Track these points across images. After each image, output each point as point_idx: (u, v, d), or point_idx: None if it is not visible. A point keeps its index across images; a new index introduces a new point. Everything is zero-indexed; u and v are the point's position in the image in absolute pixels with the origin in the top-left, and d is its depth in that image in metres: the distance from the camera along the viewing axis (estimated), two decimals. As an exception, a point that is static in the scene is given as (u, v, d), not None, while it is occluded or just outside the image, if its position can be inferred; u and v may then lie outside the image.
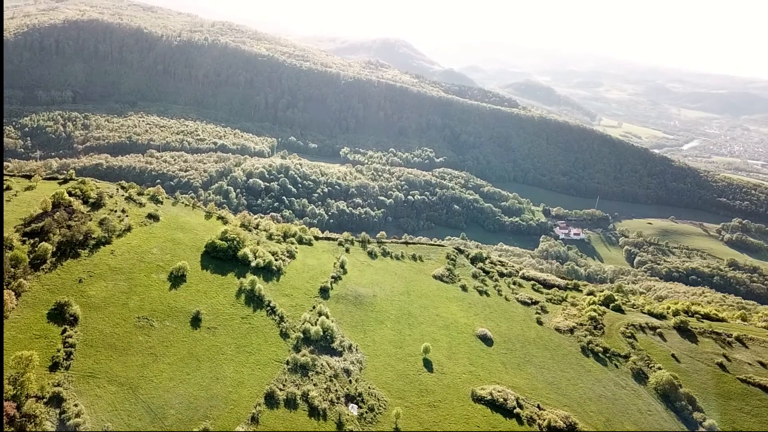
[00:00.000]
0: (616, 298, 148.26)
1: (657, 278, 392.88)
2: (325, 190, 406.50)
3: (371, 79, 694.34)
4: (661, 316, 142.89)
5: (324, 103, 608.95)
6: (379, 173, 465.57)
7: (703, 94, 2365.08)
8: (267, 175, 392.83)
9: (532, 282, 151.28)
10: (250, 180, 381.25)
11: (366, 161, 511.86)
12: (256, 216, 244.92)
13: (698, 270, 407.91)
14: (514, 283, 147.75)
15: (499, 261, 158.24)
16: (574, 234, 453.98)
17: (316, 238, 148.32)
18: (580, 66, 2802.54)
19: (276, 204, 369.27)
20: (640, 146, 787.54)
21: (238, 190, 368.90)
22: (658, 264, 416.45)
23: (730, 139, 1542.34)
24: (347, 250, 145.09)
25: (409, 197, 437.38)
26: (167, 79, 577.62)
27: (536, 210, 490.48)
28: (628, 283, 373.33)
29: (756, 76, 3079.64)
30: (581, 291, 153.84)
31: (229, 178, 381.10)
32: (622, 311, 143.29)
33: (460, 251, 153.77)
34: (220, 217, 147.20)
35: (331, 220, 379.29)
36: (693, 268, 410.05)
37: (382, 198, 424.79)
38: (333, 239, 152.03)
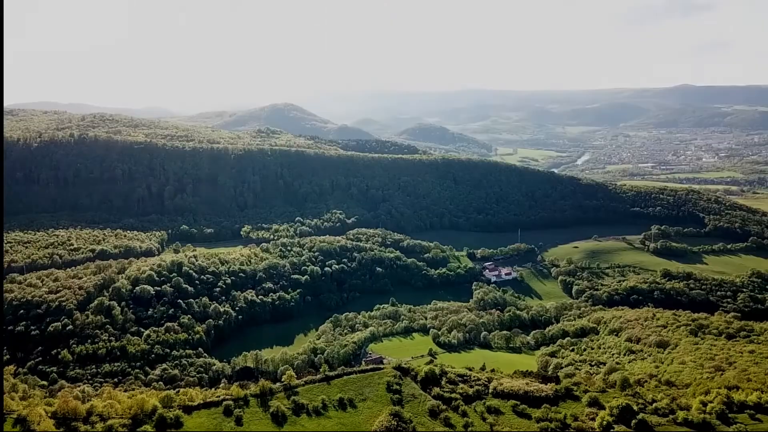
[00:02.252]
0: (634, 406, 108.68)
1: (601, 306, 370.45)
2: (228, 281, 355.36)
3: (263, 148, 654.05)
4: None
5: (215, 183, 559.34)
6: (289, 248, 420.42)
7: (580, 110, 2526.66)
8: (157, 278, 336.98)
9: (513, 402, 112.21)
10: (137, 288, 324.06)
11: (272, 236, 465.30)
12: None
13: (637, 288, 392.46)
14: (490, 410, 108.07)
15: (458, 375, 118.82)
16: (506, 274, 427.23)
17: (189, 409, 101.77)
18: (465, 102, 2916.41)
19: (171, 311, 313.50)
20: (546, 170, 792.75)
21: (123, 303, 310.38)
22: (597, 290, 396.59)
23: (616, 147, 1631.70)
24: (239, 421, 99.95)
25: (326, 269, 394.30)
26: (30, 186, 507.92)
27: (461, 255, 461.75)
28: (574, 318, 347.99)
29: (621, 86, 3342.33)
30: (580, 400, 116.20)
31: (111, 290, 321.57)
32: (650, 428, 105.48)
33: (404, 372, 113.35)
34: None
35: (240, 316, 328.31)
36: (631, 287, 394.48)
37: (296, 276, 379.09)
38: (216, 403, 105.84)
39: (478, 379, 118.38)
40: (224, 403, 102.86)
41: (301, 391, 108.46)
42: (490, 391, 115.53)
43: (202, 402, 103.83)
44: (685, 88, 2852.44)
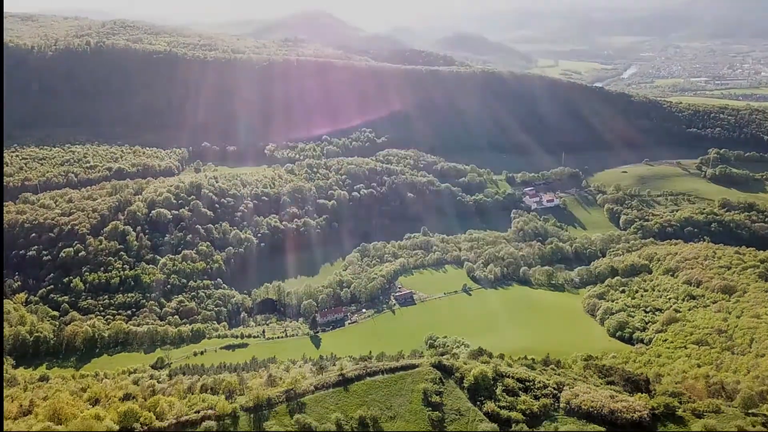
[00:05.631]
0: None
1: (652, 239, 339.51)
2: (250, 205, 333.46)
3: (289, 59, 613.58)
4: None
5: (239, 96, 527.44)
6: (315, 170, 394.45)
7: (628, 19, 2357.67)
8: (174, 201, 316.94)
9: (594, 429, 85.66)
10: (154, 211, 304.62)
11: (297, 156, 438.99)
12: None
13: (692, 219, 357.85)
14: None
15: (518, 381, 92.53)
16: (547, 201, 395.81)
17: None
18: (506, 5, 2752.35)
19: (189, 237, 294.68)
20: (591, 85, 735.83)
21: (139, 228, 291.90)
22: (647, 220, 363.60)
23: (666, 59, 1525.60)
24: None
25: (354, 193, 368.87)
26: (46, 98, 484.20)
27: (499, 180, 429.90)
28: (623, 252, 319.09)
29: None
30: (687, 425, 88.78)
31: (126, 213, 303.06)
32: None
33: (447, 372, 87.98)
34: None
35: (262, 244, 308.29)
36: (686, 218, 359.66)
37: (322, 201, 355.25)
38: (193, 424, 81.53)
39: (545, 386, 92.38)
40: (204, 424, 79.63)
41: (309, 403, 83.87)
42: (562, 405, 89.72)
43: (174, 421, 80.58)
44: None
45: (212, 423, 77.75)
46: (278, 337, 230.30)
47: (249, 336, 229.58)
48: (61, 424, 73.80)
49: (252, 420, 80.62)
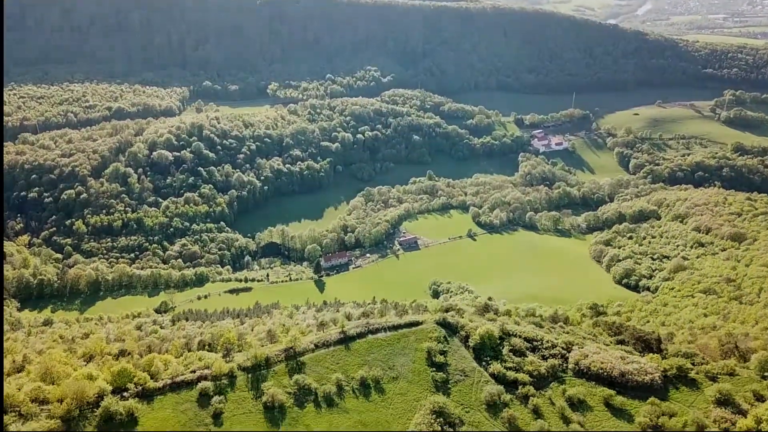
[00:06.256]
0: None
1: (661, 183, 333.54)
2: (253, 147, 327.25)
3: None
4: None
5: (240, 34, 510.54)
6: (318, 110, 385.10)
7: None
8: (176, 142, 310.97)
9: (603, 391, 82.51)
10: (155, 153, 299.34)
11: (300, 96, 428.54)
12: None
13: (704, 164, 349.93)
14: (572, 404, 79.51)
15: (525, 340, 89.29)
16: (556, 144, 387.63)
17: (149, 394, 74.08)
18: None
19: (191, 179, 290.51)
20: (605, 22, 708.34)
21: (140, 170, 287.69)
22: (658, 164, 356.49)
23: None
24: (217, 417, 73.19)
25: (359, 136, 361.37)
26: (42, 34, 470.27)
27: (507, 122, 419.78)
28: (631, 198, 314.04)
29: None
30: (700, 388, 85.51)
31: (127, 155, 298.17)
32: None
33: (451, 329, 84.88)
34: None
35: (266, 187, 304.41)
36: (697, 162, 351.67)
37: (326, 143, 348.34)
38: (189, 384, 78.44)
39: (553, 345, 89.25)
40: (200, 385, 77.58)
41: (308, 362, 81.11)
42: (571, 366, 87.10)
43: (169, 381, 78.01)
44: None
45: (208, 383, 76.19)
46: (282, 281, 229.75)
47: (253, 280, 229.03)
48: (53, 384, 72.79)
49: (250, 380, 78.69)
